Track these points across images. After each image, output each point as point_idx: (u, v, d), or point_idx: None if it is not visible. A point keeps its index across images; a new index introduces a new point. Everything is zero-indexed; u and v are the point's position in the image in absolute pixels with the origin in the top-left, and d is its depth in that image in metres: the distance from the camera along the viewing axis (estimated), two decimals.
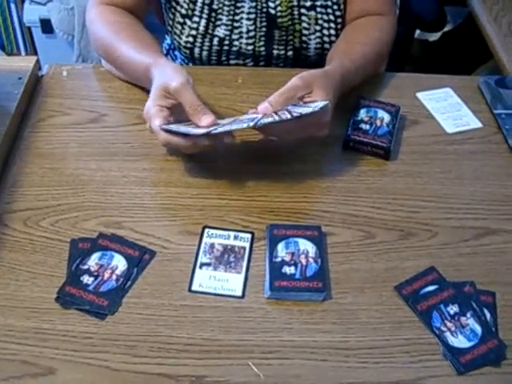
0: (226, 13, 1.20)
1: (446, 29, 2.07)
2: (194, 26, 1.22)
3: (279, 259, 0.86)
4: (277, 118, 0.91)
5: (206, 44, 1.23)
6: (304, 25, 1.21)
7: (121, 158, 1.01)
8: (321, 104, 0.94)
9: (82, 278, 0.84)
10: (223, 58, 1.25)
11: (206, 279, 0.85)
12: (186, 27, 1.22)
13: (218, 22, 1.21)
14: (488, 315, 0.83)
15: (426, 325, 0.81)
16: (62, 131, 1.06)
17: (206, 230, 0.91)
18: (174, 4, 1.22)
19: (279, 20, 1.20)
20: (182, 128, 0.92)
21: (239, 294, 0.84)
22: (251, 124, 0.90)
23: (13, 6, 2.51)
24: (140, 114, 1.07)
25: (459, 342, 0.79)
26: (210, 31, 1.22)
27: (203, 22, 1.21)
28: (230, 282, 0.85)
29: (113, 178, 0.98)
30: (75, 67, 1.19)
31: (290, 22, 1.21)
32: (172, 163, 1.01)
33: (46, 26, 2.42)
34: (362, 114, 1.08)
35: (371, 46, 1.16)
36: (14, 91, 1.09)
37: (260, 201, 0.96)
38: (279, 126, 0.95)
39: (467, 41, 1.98)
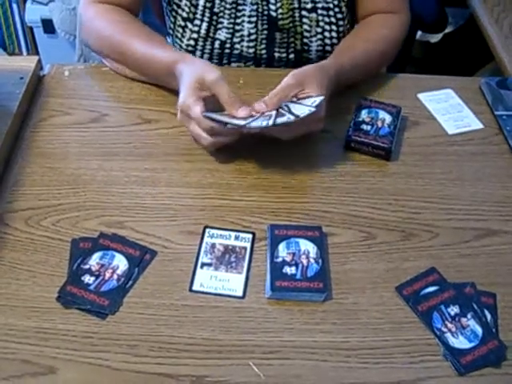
0: (227, 16, 1.20)
1: (447, 30, 2.08)
2: (196, 29, 1.22)
3: (280, 259, 0.86)
4: (285, 118, 0.93)
5: (208, 47, 1.23)
6: (305, 27, 1.21)
7: (122, 158, 1.02)
8: (317, 101, 0.94)
9: (83, 278, 0.84)
10: (224, 61, 1.25)
11: (207, 279, 0.85)
12: (187, 30, 1.22)
13: (220, 26, 1.21)
14: (488, 316, 0.83)
15: (427, 325, 0.81)
16: (63, 131, 1.06)
17: (207, 230, 0.91)
18: (175, 7, 1.22)
19: (280, 22, 1.20)
20: (221, 117, 0.95)
21: (240, 294, 0.84)
22: (270, 123, 0.93)
23: (15, 5, 2.51)
24: (141, 113, 1.08)
25: (460, 342, 0.79)
26: (211, 34, 1.22)
27: (204, 25, 1.21)
28: (231, 282, 0.85)
29: (114, 178, 0.98)
30: (77, 67, 1.19)
31: (291, 25, 1.21)
32: (173, 163, 1.01)
33: (48, 25, 2.42)
34: (364, 114, 1.08)
35: (375, 43, 1.16)
36: (16, 91, 1.09)
37: (261, 201, 0.96)
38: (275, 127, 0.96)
39: (468, 42, 1.98)
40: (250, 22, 1.21)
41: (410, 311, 0.83)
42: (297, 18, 1.20)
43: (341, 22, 1.22)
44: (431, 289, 0.85)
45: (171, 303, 0.83)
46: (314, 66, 1.03)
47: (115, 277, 0.85)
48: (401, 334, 0.81)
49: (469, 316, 0.82)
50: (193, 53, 1.25)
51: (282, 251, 0.87)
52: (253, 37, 1.22)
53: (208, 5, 1.19)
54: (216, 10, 1.19)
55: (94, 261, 0.86)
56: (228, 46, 1.23)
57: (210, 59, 1.25)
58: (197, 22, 1.21)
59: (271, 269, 0.85)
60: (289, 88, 0.98)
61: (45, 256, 0.87)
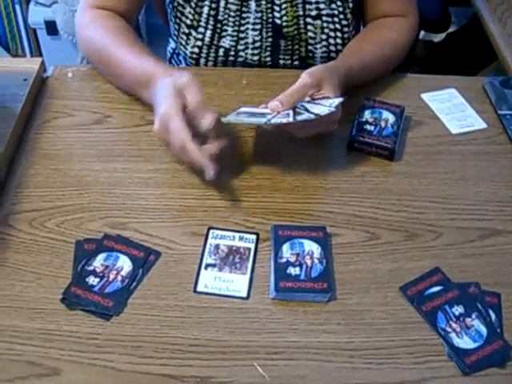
0: (231, 24, 1.20)
1: (450, 29, 2.07)
2: (200, 36, 1.22)
3: (284, 260, 0.86)
4: (305, 116, 0.93)
5: (212, 55, 1.23)
6: (310, 34, 1.21)
7: (125, 159, 1.02)
8: (336, 102, 0.94)
9: (87, 279, 0.84)
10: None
11: (211, 280, 0.86)
12: (191, 38, 1.22)
13: (224, 33, 1.21)
14: (493, 316, 0.83)
15: (431, 325, 0.81)
16: (66, 132, 1.06)
17: (211, 231, 0.91)
18: (179, 14, 1.22)
19: (285, 30, 1.20)
20: (240, 118, 0.98)
21: (244, 294, 0.84)
22: (291, 120, 0.92)
23: (18, 7, 2.52)
24: (143, 115, 1.08)
25: (464, 342, 0.79)
26: (215, 42, 1.22)
27: (209, 32, 1.21)
28: (235, 282, 0.85)
29: (117, 179, 0.98)
30: (80, 69, 1.20)
31: (295, 32, 1.20)
32: (176, 164, 1.01)
33: (51, 27, 2.43)
34: (367, 114, 1.08)
35: (382, 46, 1.16)
36: (20, 92, 1.09)
37: (264, 202, 0.96)
38: (293, 123, 0.96)
39: (472, 41, 1.98)
40: (254, 30, 1.20)
41: (414, 311, 0.83)
42: (301, 26, 1.20)
43: (346, 29, 1.22)
44: (435, 289, 0.85)
45: (175, 304, 0.83)
46: (327, 66, 1.03)
47: (119, 278, 0.85)
48: (405, 335, 0.81)
49: (473, 316, 0.82)
50: (197, 60, 1.24)
51: (286, 252, 0.87)
52: (257, 44, 1.22)
53: (212, 12, 1.19)
54: (220, 17, 1.19)
55: (98, 262, 0.86)
56: (232, 53, 1.23)
57: (215, 66, 1.24)
58: (201, 29, 1.21)
59: (275, 269, 0.85)
60: (305, 88, 0.97)
61: (49, 257, 0.88)
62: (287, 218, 0.94)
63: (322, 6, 1.18)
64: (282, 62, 1.25)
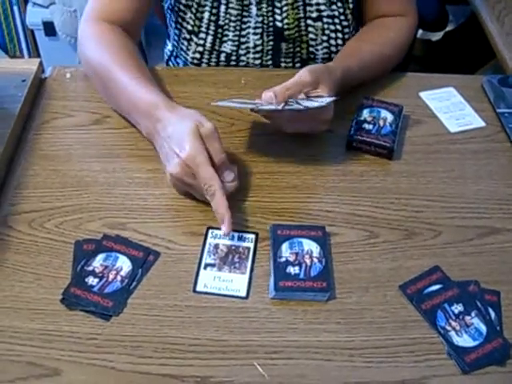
0: (232, 28, 1.20)
1: (448, 28, 2.08)
2: (201, 42, 1.21)
3: (283, 259, 0.86)
4: (292, 106, 0.93)
5: (213, 60, 1.23)
6: (311, 36, 1.21)
7: (124, 160, 1.02)
8: (328, 99, 0.94)
9: (86, 280, 0.84)
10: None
11: (211, 280, 0.86)
12: (192, 43, 1.22)
13: (225, 38, 1.21)
14: (493, 314, 0.83)
15: (431, 324, 0.81)
16: (65, 133, 1.06)
17: (210, 231, 0.91)
18: (180, 20, 1.22)
19: (286, 33, 1.20)
20: (231, 103, 0.98)
21: (244, 294, 0.84)
22: (279, 107, 0.93)
23: (16, 8, 2.51)
24: None
25: (464, 341, 0.79)
26: (216, 47, 1.22)
27: (210, 38, 1.21)
28: (235, 282, 0.85)
29: (116, 180, 0.98)
30: (78, 69, 1.19)
31: (296, 34, 1.20)
32: None
33: (49, 28, 2.43)
34: (365, 113, 1.08)
35: (381, 46, 1.17)
36: (18, 93, 1.09)
37: (263, 201, 0.96)
38: (282, 114, 0.97)
39: (470, 40, 1.98)
40: (255, 34, 1.20)
41: (413, 310, 0.83)
42: (302, 28, 1.20)
43: (346, 30, 1.22)
44: (435, 287, 0.85)
45: (175, 304, 0.83)
46: (325, 66, 1.04)
47: (119, 278, 0.85)
48: (405, 333, 0.81)
49: (473, 314, 0.82)
50: (198, 65, 1.24)
51: (286, 251, 0.87)
52: (258, 48, 1.22)
53: (213, 18, 1.19)
54: (221, 22, 1.19)
55: (97, 262, 0.86)
56: (234, 58, 1.23)
57: None
58: (202, 35, 1.21)
59: (275, 269, 0.85)
60: (302, 84, 0.97)
61: (48, 258, 0.88)
62: (286, 218, 0.94)
63: (322, 7, 1.18)
64: (283, 64, 1.25)
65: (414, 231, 0.93)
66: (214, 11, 1.18)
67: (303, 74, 0.98)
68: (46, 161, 1.01)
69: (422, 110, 1.13)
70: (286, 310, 0.83)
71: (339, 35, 1.22)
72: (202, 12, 1.19)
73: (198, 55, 1.23)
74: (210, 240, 0.90)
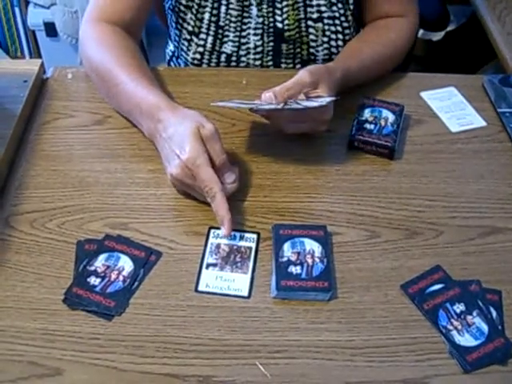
0: (232, 29, 1.20)
1: (449, 28, 2.07)
2: (201, 43, 1.22)
3: (285, 259, 0.86)
4: (292, 106, 0.94)
5: (214, 60, 1.23)
6: (311, 37, 1.21)
7: (126, 160, 1.02)
8: (328, 99, 0.94)
9: (88, 279, 0.84)
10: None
11: (213, 279, 0.86)
12: (192, 44, 1.22)
13: (225, 39, 1.21)
14: (494, 314, 0.83)
15: (433, 323, 0.81)
16: (67, 133, 1.06)
17: (212, 231, 0.91)
18: (180, 21, 1.22)
19: (287, 33, 1.20)
20: (231, 104, 0.98)
21: (245, 294, 0.84)
22: (279, 106, 0.93)
23: (17, 9, 2.51)
24: None
25: (466, 340, 0.79)
26: (217, 48, 1.22)
27: (210, 39, 1.21)
28: (237, 282, 0.86)
29: (118, 180, 0.99)
30: (80, 70, 1.19)
31: (297, 35, 1.20)
32: None
33: (50, 29, 2.43)
34: (367, 113, 1.08)
35: (383, 47, 1.16)
36: (20, 94, 1.10)
37: (265, 201, 0.96)
38: (281, 114, 0.97)
39: (471, 40, 1.98)
40: (255, 35, 1.20)
41: (415, 309, 0.83)
42: (303, 29, 1.20)
43: (347, 31, 1.22)
44: (436, 287, 0.85)
45: (177, 304, 0.83)
46: (325, 66, 1.04)
47: (121, 278, 0.85)
48: (406, 333, 0.81)
49: (474, 313, 0.82)
50: (199, 66, 1.24)
51: (287, 251, 0.87)
52: (259, 49, 1.22)
53: (213, 18, 1.19)
54: (221, 23, 1.19)
55: (99, 262, 0.87)
56: (234, 58, 1.23)
57: None
58: (202, 35, 1.21)
59: (276, 268, 0.85)
60: (303, 84, 0.97)
61: (50, 258, 0.88)
62: (288, 217, 0.94)
63: (323, 8, 1.18)
64: (283, 65, 1.25)
65: (416, 231, 0.93)
66: (215, 12, 1.18)
67: (303, 75, 0.98)
68: (47, 161, 1.01)
69: (423, 110, 1.13)
70: (288, 310, 0.83)
71: (340, 36, 1.22)
72: (203, 13, 1.19)
73: (198, 56, 1.23)
74: (211, 240, 0.90)
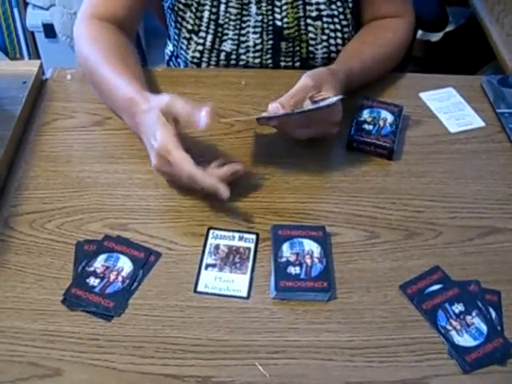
0: (232, 27, 1.20)
1: (448, 29, 2.08)
2: (201, 41, 1.22)
3: (284, 259, 0.86)
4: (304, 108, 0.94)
5: (213, 59, 1.23)
6: (310, 35, 1.21)
7: (125, 161, 1.02)
8: (335, 98, 0.94)
9: (88, 280, 0.84)
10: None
11: (212, 280, 0.86)
12: (192, 42, 1.22)
13: (225, 37, 1.21)
14: (493, 314, 0.83)
15: (432, 324, 0.82)
16: (66, 134, 1.06)
17: (211, 232, 0.91)
18: (179, 19, 1.22)
19: (286, 32, 1.20)
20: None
21: (245, 294, 0.85)
22: (289, 111, 0.93)
23: (16, 10, 2.51)
24: None
25: (465, 340, 0.80)
26: (216, 46, 1.22)
27: (210, 37, 1.21)
28: (236, 282, 0.86)
29: (117, 181, 0.99)
30: (79, 71, 1.19)
31: (296, 33, 1.21)
32: None
33: (49, 30, 2.43)
34: (365, 114, 1.08)
35: (381, 47, 1.17)
36: (19, 95, 1.10)
37: (264, 202, 0.96)
38: (290, 119, 0.96)
39: (469, 41, 1.98)
40: (255, 33, 1.21)
41: (414, 310, 0.83)
42: (302, 27, 1.20)
43: (346, 29, 1.23)
44: (435, 287, 0.85)
45: (176, 304, 0.83)
46: (326, 69, 1.04)
47: (120, 279, 0.85)
48: (405, 333, 0.81)
49: (473, 314, 0.82)
50: (198, 64, 1.24)
51: (286, 251, 0.87)
52: (258, 47, 1.22)
53: (213, 17, 1.19)
54: (221, 21, 1.19)
55: (98, 263, 0.87)
56: (234, 57, 1.23)
57: None
58: (202, 34, 1.21)
59: (275, 269, 0.85)
60: (306, 89, 0.97)
61: (50, 259, 0.88)
62: (287, 218, 0.94)
63: (322, 6, 1.19)
64: (283, 64, 1.25)
65: (415, 231, 0.93)
66: (214, 10, 1.18)
67: (305, 79, 0.98)
68: (46, 162, 1.01)
69: (422, 111, 1.13)
70: (287, 310, 0.83)
71: (339, 35, 1.22)
72: (202, 11, 1.19)
73: (197, 54, 1.23)
74: (210, 240, 0.90)
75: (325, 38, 1.22)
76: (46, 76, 1.19)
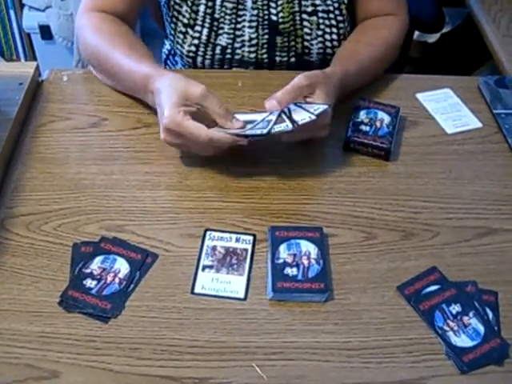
0: (227, 22, 1.20)
1: (444, 30, 2.08)
2: (196, 35, 1.22)
3: (281, 261, 0.86)
4: (283, 125, 0.94)
5: (209, 53, 1.23)
6: (306, 30, 1.21)
7: (122, 162, 1.02)
8: (320, 109, 0.95)
9: (84, 282, 0.84)
10: (226, 67, 1.25)
11: (209, 281, 0.86)
12: (188, 36, 1.23)
13: (220, 31, 1.21)
14: (490, 314, 0.83)
15: (429, 324, 0.82)
16: (62, 136, 1.06)
17: (208, 233, 0.91)
18: (175, 14, 1.22)
19: (281, 26, 1.20)
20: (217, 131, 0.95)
21: (242, 295, 0.84)
22: (265, 131, 0.93)
23: (12, 12, 2.51)
24: (140, 117, 1.08)
25: (462, 341, 0.80)
26: (212, 40, 1.22)
27: (205, 31, 1.21)
28: (233, 284, 0.86)
29: (114, 182, 0.98)
30: (75, 72, 1.20)
31: (291, 28, 1.21)
32: (173, 166, 1.01)
33: (45, 32, 2.42)
34: (362, 115, 1.08)
35: (378, 47, 1.17)
36: (15, 97, 1.09)
37: (261, 203, 0.96)
38: None
39: (466, 42, 1.98)
40: (250, 27, 1.21)
41: (411, 310, 0.83)
42: (297, 22, 1.20)
43: (341, 25, 1.23)
44: (432, 288, 0.85)
45: (173, 306, 0.83)
46: (322, 72, 1.03)
47: (117, 280, 0.85)
48: (403, 334, 0.81)
49: (470, 314, 0.82)
50: (194, 59, 1.24)
51: (283, 252, 0.87)
52: (254, 42, 1.22)
53: (208, 11, 1.19)
54: (216, 15, 1.20)
55: (95, 265, 0.86)
56: (229, 51, 1.23)
57: (212, 64, 1.25)
58: (197, 28, 1.21)
59: (272, 270, 0.85)
60: (301, 89, 0.97)
61: (46, 261, 0.87)
62: (284, 219, 0.94)
63: (317, 1, 1.19)
64: (278, 58, 1.25)
65: (412, 232, 0.93)
66: (210, 4, 1.19)
67: (300, 79, 0.98)
68: (43, 164, 1.01)
69: (419, 112, 1.13)
70: (284, 311, 0.83)
71: (334, 30, 1.22)
72: (198, 5, 1.19)
73: (193, 48, 1.23)
74: (207, 242, 0.90)
75: (320, 33, 1.22)
76: (42, 77, 1.19)
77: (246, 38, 1.22)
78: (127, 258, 0.87)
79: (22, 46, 2.63)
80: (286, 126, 0.93)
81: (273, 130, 0.93)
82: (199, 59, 1.24)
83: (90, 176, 0.99)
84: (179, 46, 1.25)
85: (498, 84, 1.17)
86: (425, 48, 2.28)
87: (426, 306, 0.83)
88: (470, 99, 1.16)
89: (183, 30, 1.22)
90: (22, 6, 2.46)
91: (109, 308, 0.82)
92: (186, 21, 1.21)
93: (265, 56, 1.24)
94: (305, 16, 1.20)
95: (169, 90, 0.96)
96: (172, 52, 1.37)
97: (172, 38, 1.27)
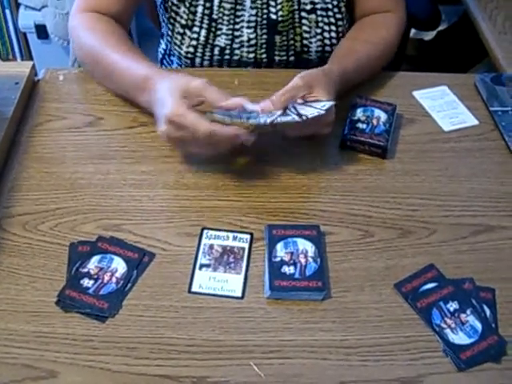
0: (226, 22, 1.20)
1: (441, 27, 2.08)
2: (195, 36, 1.22)
3: (278, 259, 0.86)
4: (289, 118, 0.93)
5: (207, 54, 1.23)
6: (305, 28, 1.21)
7: (118, 161, 1.02)
8: (327, 105, 0.94)
9: (81, 282, 0.84)
10: (225, 67, 1.25)
11: (206, 280, 0.86)
12: (186, 38, 1.22)
13: (219, 32, 1.21)
14: (488, 311, 0.83)
15: (426, 322, 0.82)
16: (59, 135, 1.06)
17: (205, 232, 0.91)
18: (173, 15, 1.22)
19: (280, 25, 1.20)
20: (223, 116, 0.94)
21: (239, 294, 0.84)
22: (268, 120, 0.93)
23: (8, 11, 2.51)
24: (136, 116, 1.08)
25: (459, 338, 0.80)
26: (210, 41, 1.22)
27: (203, 32, 1.21)
28: (230, 282, 0.85)
29: (111, 181, 0.98)
30: (71, 71, 1.19)
31: (290, 26, 1.21)
32: (169, 165, 1.01)
33: (41, 31, 2.42)
34: (359, 113, 1.08)
35: (375, 44, 1.17)
36: (11, 96, 1.09)
37: (258, 201, 0.96)
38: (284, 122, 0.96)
39: (462, 39, 1.98)
40: (249, 28, 1.21)
41: (409, 308, 0.83)
42: (296, 20, 1.20)
43: (340, 23, 1.23)
44: (430, 285, 0.85)
45: (170, 305, 0.83)
46: (320, 70, 1.03)
47: (114, 280, 0.85)
48: (400, 331, 0.81)
49: (468, 312, 0.82)
50: (192, 60, 1.24)
51: (280, 251, 0.87)
52: (252, 42, 1.22)
53: (207, 11, 1.19)
54: (215, 16, 1.19)
55: (92, 264, 0.86)
56: (228, 52, 1.23)
57: (210, 66, 1.24)
58: (196, 29, 1.21)
59: (270, 268, 0.85)
60: (297, 89, 0.97)
61: (43, 260, 0.87)
62: (281, 218, 0.94)
63: None
64: (277, 58, 1.25)
65: (409, 230, 0.93)
66: (208, 5, 1.18)
67: (296, 80, 0.98)
68: (39, 163, 1.01)
69: (416, 109, 1.14)
70: (282, 310, 0.83)
71: (333, 28, 1.22)
72: (196, 6, 1.19)
73: (191, 49, 1.23)
74: (204, 241, 0.90)
75: (319, 31, 1.22)
76: (38, 77, 1.18)
77: (245, 38, 1.22)
78: (124, 257, 0.87)
79: (18, 46, 2.62)
80: (293, 118, 0.93)
81: (278, 119, 0.93)
82: (197, 60, 1.24)
83: (86, 175, 0.99)
84: (177, 47, 1.25)
85: (495, 81, 1.17)
86: (421, 46, 2.28)
87: (423, 303, 0.83)
88: (467, 97, 1.16)
89: (181, 31, 1.22)
90: (18, 5, 2.46)
91: (106, 307, 0.82)
92: (183, 22, 1.21)
93: (264, 56, 1.24)
94: (303, 14, 1.20)
95: (171, 86, 0.96)
96: (168, 52, 1.37)
97: (169, 38, 1.27)
